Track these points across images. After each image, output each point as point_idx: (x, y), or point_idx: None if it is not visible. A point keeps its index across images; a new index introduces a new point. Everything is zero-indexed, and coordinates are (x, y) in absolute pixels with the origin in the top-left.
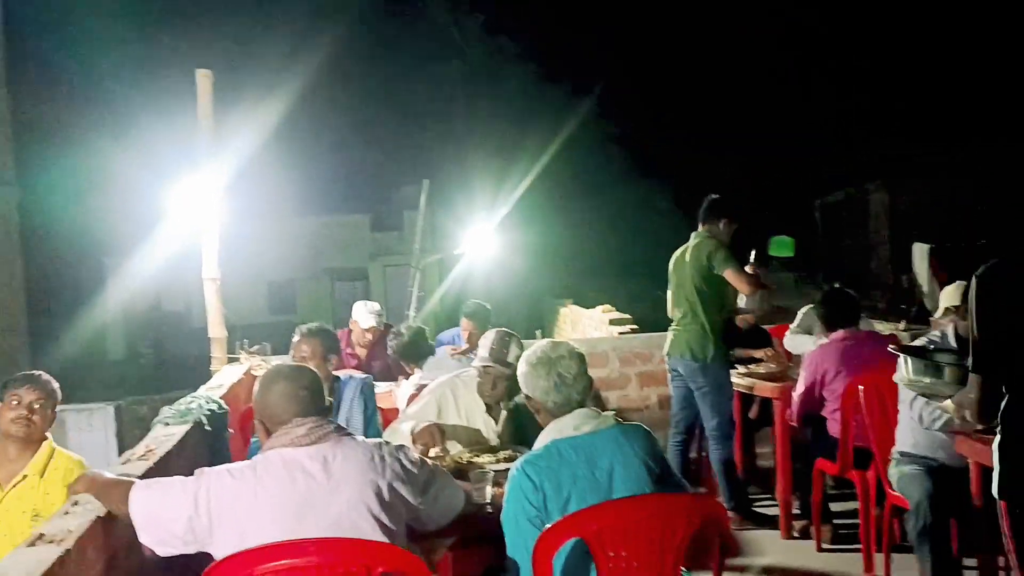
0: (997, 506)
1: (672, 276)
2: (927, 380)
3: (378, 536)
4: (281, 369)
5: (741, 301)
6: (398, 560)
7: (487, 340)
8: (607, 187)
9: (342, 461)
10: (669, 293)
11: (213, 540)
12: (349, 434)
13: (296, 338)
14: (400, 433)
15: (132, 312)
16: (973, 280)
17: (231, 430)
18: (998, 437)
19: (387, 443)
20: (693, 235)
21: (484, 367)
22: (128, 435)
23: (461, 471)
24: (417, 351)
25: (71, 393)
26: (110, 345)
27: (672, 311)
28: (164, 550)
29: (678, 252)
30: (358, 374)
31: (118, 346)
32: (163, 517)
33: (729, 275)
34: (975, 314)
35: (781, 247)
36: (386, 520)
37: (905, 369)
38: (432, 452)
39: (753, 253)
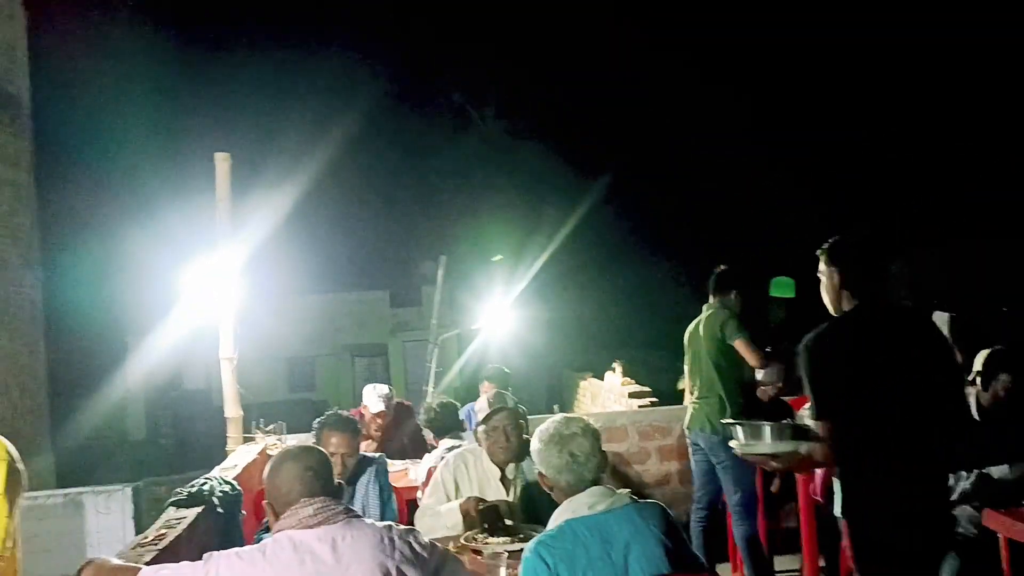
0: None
1: (687, 349)
2: (757, 445)
3: None
4: (290, 450)
5: (759, 374)
6: None
7: (483, 406)
8: (625, 261)
9: (351, 543)
10: (685, 367)
11: None
12: (358, 516)
13: (323, 431)
14: (438, 513)
15: (153, 392)
16: (802, 346)
17: (244, 512)
18: (839, 469)
19: (397, 525)
20: (705, 307)
21: (487, 418)
22: (146, 517)
23: (476, 552)
24: (449, 423)
25: (91, 475)
26: (130, 425)
27: (689, 385)
28: None
29: (692, 325)
30: (371, 454)
31: (139, 426)
32: None
33: (739, 345)
34: (806, 374)
35: (781, 288)
36: None
37: (738, 437)
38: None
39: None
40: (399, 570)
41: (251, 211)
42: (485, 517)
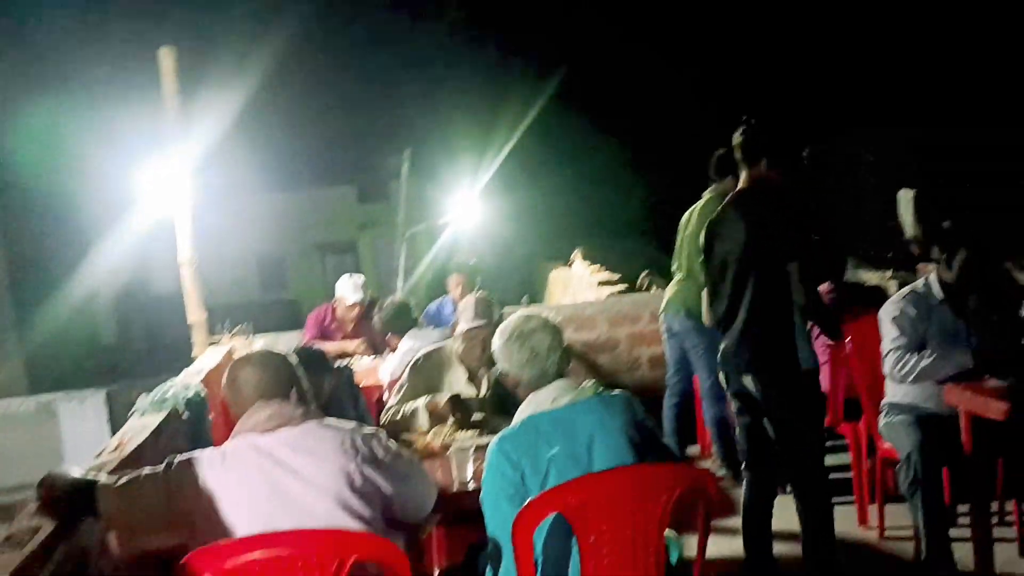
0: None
1: (679, 234)
2: None
3: (350, 523)
4: (246, 355)
5: None
6: (372, 547)
7: (468, 306)
8: (594, 148)
9: (312, 445)
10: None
11: (185, 530)
12: (320, 417)
13: None
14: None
15: (122, 297)
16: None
17: (213, 414)
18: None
19: (361, 428)
20: (705, 193)
21: (471, 329)
22: (120, 420)
23: (444, 447)
24: (402, 324)
25: (64, 380)
26: (101, 330)
27: (673, 269)
28: (135, 545)
29: (688, 211)
30: (341, 362)
31: (109, 331)
32: (131, 513)
33: None
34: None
35: None
36: (358, 507)
37: None
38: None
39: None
40: (362, 473)
41: (205, 106)
42: (453, 413)
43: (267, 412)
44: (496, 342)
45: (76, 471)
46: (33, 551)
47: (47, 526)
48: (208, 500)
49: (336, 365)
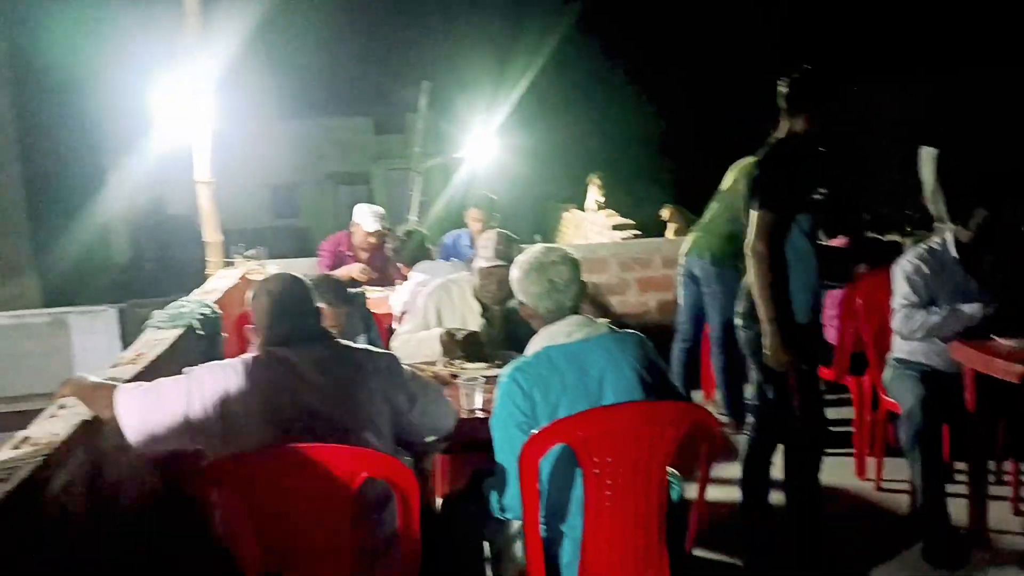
0: None
1: (726, 179)
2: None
3: (364, 434)
4: (275, 275)
5: None
6: (383, 466)
7: (489, 241)
8: (612, 92)
9: (330, 363)
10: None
11: (205, 434)
12: (335, 338)
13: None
14: (417, 339)
15: (136, 216)
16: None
17: (225, 334)
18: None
19: (375, 350)
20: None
21: (490, 267)
22: (131, 337)
23: (453, 376)
24: (415, 254)
25: (75, 296)
26: (114, 249)
27: (706, 211)
28: (153, 449)
29: (742, 162)
30: (354, 289)
31: (122, 250)
32: (153, 416)
33: None
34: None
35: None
36: (374, 420)
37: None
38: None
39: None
40: (378, 390)
41: (224, 25)
42: (464, 345)
43: (286, 328)
44: (514, 272)
45: (94, 378)
46: (51, 451)
47: (66, 429)
48: (229, 406)
49: (352, 291)
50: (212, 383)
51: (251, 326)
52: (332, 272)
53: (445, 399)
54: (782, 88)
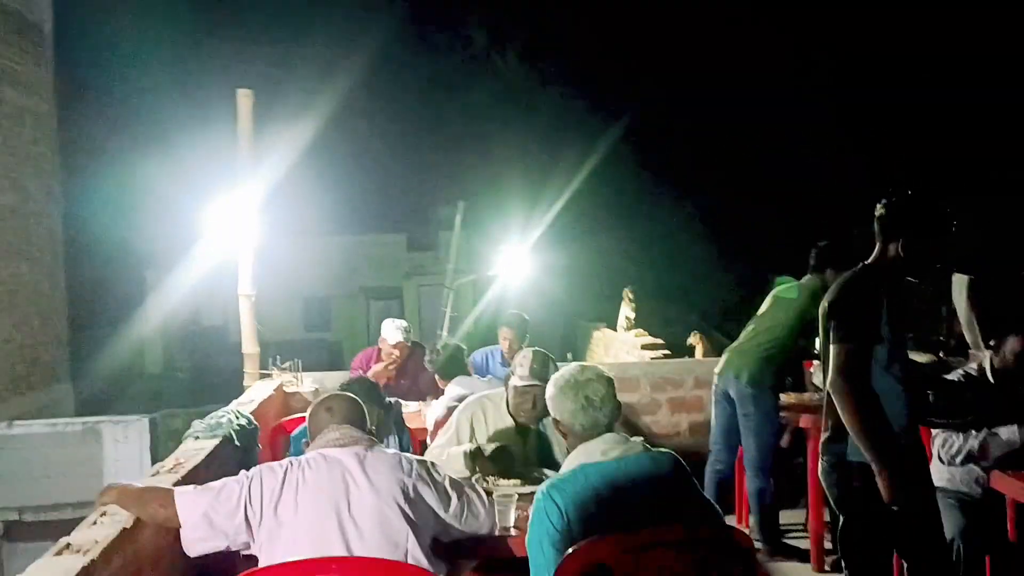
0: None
1: (767, 302)
2: None
3: (402, 525)
4: (332, 394)
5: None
6: None
7: (526, 359)
8: (642, 212)
9: (373, 461)
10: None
11: (260, 530)
12: (379, 444)
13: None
14: (450, 456)
15: (171, 327)
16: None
17: (260, 446)
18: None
19: (412, 457)
20: (806, 278)
21: (525, 386)
22: (162, 448)
23: (488, 493)
24: (454, 368)
25: (109, 405)
26: (148, 359)
27: (744, 332)
28: (204, 547)
29: (789, 287)
30: (391, 399)
31: (156, 360)
32: (215, 512)
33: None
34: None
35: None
36: (411, 514)
37: None
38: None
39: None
40: (415, 488)
41: (270, 147)
42: (496, 460)
43: (338, 432)
44: (550, 390)
45: (139, 484)
46: (94, 558)
47: (108, 536)
48: (282, 498)
49: (387, 400)
50: (270, 480)
51: (305, 440)
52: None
53: (483, 499)
54: (880, 211)
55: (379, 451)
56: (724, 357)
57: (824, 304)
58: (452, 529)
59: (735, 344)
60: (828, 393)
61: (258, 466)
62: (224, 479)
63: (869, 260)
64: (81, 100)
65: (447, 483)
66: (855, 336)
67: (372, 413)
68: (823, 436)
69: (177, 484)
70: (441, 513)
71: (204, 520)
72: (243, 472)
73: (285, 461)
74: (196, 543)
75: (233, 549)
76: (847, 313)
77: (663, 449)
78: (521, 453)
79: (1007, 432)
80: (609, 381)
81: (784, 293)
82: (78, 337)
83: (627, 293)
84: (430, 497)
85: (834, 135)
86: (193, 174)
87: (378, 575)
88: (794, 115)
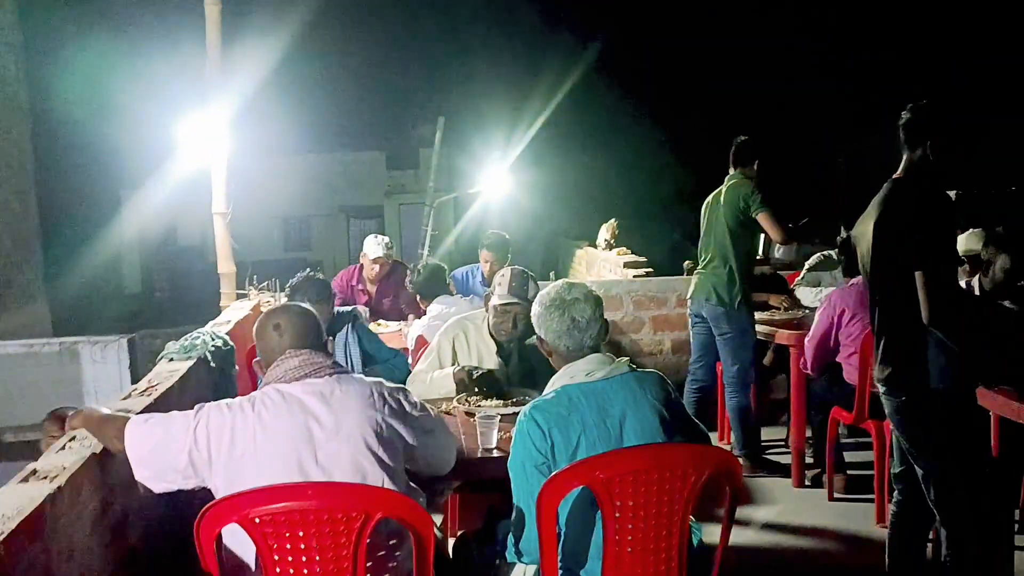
0: None
1: (704, 219)
2: None
3: (376, 471)
4: (276, 308)
5: (777, 253)
6: (397, 505)
7: (504, 278)
8: (623, 129)
9: (340, 397)
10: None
11: (212, 474)
12: (346, 371)
13: (293, 297)
14: (431, 379)
15: (148, 246)
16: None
17: (237, 367)
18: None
19: (386, 382)
20: (727, 177)
21: (504, 304)
22: (141, 368)
23: (469, 414)
24: (435, 288)
25: (86, 325)
26: (127, 279)
27: (700, 254)
28: (161, 485)
29: (711, 195)
30: (344, 308)
31: (134, 280)
32: (161, 451)
33: (763, 219)
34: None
35: None
36: (384, 456)
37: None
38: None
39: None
40: (387, 423)
41: (242, 61)
42: (479, 383)
43: (296, 361)
44: (536, 308)
45: (105, 409)
46: (60, 485)
47: (76, 462)
48: (236, 446)
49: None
50: (218, 423)
51: (257, 359)
52: None
53: (451, 436)
54: (906, 116)
55: (346, 382)
56: (694, 280)
57: (894, 222)
58: (419, 460)
59: (699, 267)
60: (882, 324)
61: (207, 405)
62: (173, 414)
63: (898, 173)
64: (46, 9)
65: (422, 416)
66: (947, 256)
67: (322, 310)
68: (886, 372)
69: (149, 408)
70: (412, 444)
71: (152, 457)
72: (194, 410)
73: (236, 400)
74: (148, 481)
75: (190, 488)
76: (932, 232)
77: (649, 370)
78: (503, 374)
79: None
80: (597, 300)
81: (713, 200)
82: (53, 257)
83: (612, 226)
84: (405, 433)
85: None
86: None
87: (356, 500)
88: (772, 40)
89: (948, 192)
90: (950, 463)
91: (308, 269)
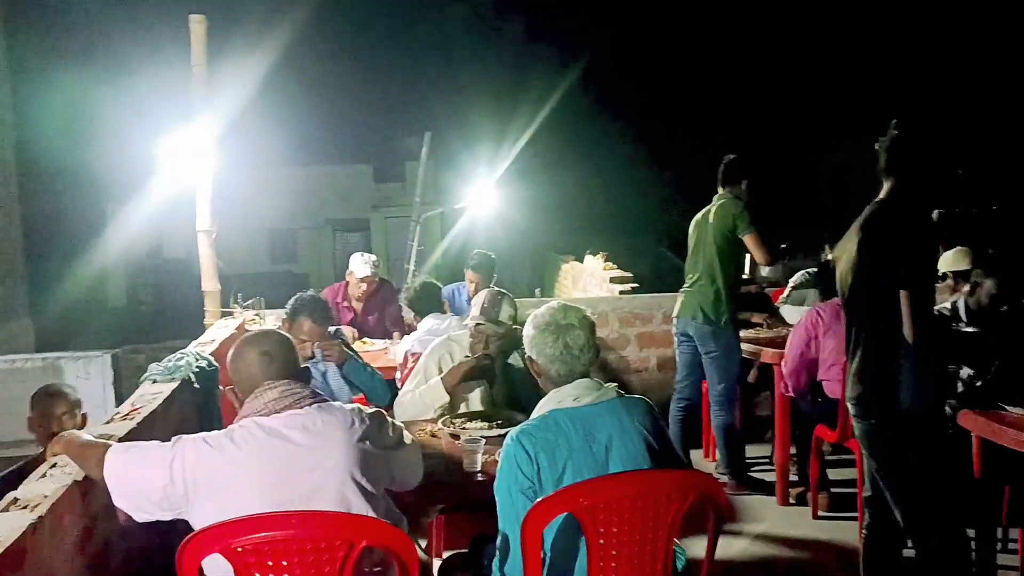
0: None
1: (691, 238)
2: None
3: (360, 502)
4: (250, 335)
5: (764, 271)
6: (381, 533)
7: (479, 299)
8: (608, 143)
9: (323, 428)
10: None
11: (190, 508)
12: (325, 399)
13: (298, 316)
14: (423, 392)
15: (133, 259)
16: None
17: (222, 388)
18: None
19: (365, 408)
20: (716, 197)
21: (476, 325)
22: (126, 383)
23: (454, 436)
24: (429, 304)
25: (70, 339)
26: (111, 293)
27: (687, 273)
28: (140, 515)
29: (700, 214)
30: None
31: (119, 294)
32: (137, 483)
33: (750, 241)
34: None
35: None
36: (368, 486)
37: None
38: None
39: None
40: (369, 451)
41: (229, 77)
42: (464, 403)
43: (276, 392)
44: (529, 329)
45: (87, 436)
46: (42, 514)
47: (57, 491)
48: (216, 481)
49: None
50: (194, 459)
51: (231, 388)
52: None
53: (418, 451)
54: (887, 139)
55: (327, 411)
56: (680, 299)
57: (877, 243)
58: (396, 482)
59: (685, 285)
60: (857, 344)
61: (183, 439)
62: (152, 444)
63: (881, 196)
64: (31, 27)
65: (395, 435)
66: (929, 276)
67: (323, 331)
68: (857, 391)
69: (132, 432)
70: (392, 469)
71: (129, 489)
72: (171, 443)
73: (215, 434)
74: (128, 510)
75: (169, 520)
76: (917, 252)
77: (637, 396)
78: (488, 395)
79: (966, 373)
80: (591, 326)
81: (702, 219)
82: (36, 271)
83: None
84: (383, 456)
85: (790, 69)
86: (151, 103)
87: (339, 529)
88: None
89: (931, 212)
90: (919, 486)
91: (309, 290)
